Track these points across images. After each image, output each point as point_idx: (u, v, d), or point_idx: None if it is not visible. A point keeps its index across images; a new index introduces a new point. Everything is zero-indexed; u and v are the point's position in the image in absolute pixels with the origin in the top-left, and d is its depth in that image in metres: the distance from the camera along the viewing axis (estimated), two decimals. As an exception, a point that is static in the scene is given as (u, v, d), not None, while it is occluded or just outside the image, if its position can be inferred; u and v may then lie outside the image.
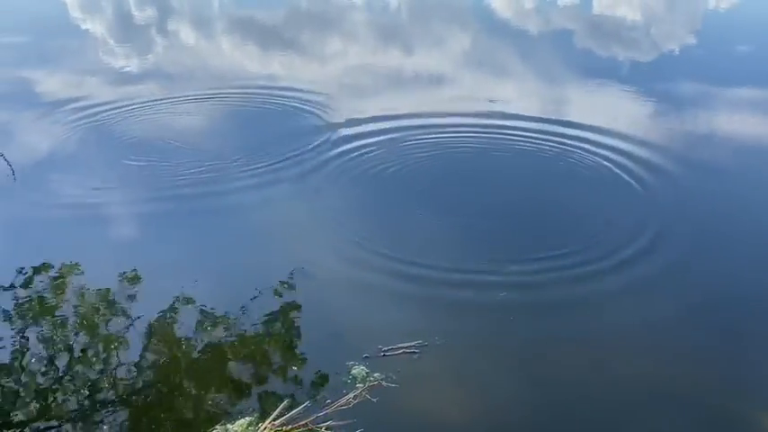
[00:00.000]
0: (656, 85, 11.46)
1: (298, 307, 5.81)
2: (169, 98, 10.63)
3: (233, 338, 5.52)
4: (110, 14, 17.27)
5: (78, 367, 5.27)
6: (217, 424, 4.63)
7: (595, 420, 4.88)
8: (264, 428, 4.55)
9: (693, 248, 6.71)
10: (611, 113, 9.91)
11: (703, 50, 14.25)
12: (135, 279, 6.21)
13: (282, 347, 5.42)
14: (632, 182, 7.95)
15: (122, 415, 4.81)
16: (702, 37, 15.04)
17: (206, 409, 4.87)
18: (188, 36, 15.47)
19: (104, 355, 5.40)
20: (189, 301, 5.88)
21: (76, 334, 5.63)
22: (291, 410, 4.65)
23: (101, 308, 5.92)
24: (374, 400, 4.69)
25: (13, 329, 5.61)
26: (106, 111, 9.97)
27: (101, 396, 4.97)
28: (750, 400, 4.99)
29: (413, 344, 5.25)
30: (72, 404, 4.90)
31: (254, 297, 5.87)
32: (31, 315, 5.79)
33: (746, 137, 9.46)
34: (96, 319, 5.79)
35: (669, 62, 13.39)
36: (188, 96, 10.68)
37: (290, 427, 4.53)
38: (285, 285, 6.04)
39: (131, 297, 6.00)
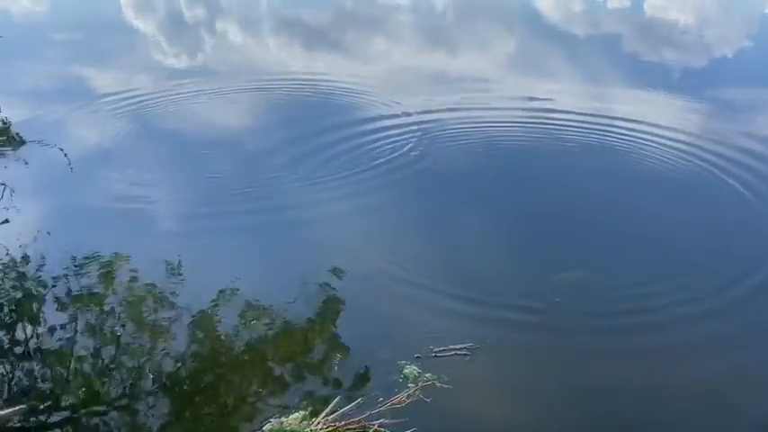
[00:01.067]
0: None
1: (351, 307, 5.88)
2: (214, 92, 10.85)
3: (286, 336, 5.59)
4: (161, 13, 17.68)
5: (129, 357, 5.40)
6: (270, 417, 4.70)
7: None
8: (318, 423, 4.60)
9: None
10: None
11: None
12: (185, 271, 6.35)
13: (334, 346, 5.47)
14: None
15: (174, 405, 4.94)
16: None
17: (258, 403, 4.95)
18: (236, 34, 15.74)
19: (156, 347, 5.51)
20: (241, 297, 5.97)
21: (126, 324, 5.74)
22: (344, 407, 4.70)
23: (153, 300, 6.06)
24: (428, 400, 4.70)
25: (64, 316, 5.76)
26: (156, 105, 10.23)
27: (151, 387, 5.09)
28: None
29: (464, 346, 5.24)
30: (122, 392, 5.04)
31: (308, 297, 5.95)
32: (81, 304, 5.94)
33: None
34: (147, 311, 5.93)
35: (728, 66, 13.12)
36: (232, 90, 10.90)
37: (342, 423, 4.57)
38: (338, 286, 6.10)
39: (183, 289, 6.12)
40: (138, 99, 10.44)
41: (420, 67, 12.89)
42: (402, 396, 4.68)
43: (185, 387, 5.13)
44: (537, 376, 5.23)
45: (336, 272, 6.27)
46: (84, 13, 16.77)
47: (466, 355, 5.19)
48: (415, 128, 9.41)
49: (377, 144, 8.89)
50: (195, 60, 13.37)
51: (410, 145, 8.88)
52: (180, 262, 6.47)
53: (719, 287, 6.16)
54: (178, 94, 10.72)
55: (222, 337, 5.58)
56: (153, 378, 5.14)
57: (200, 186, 7.93)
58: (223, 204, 7.56)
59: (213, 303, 5.92)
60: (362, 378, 5.07)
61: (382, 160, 8.50)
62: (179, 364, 5.28)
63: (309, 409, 4.75)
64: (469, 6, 18.77)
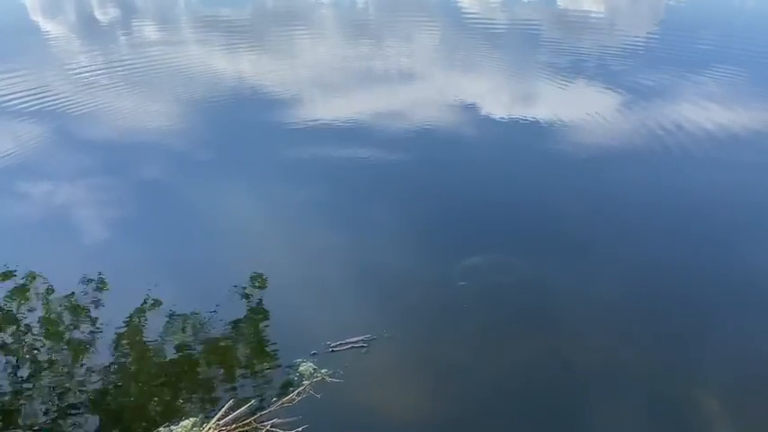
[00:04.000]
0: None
1: (246, 306, 5.75)
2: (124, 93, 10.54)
3: (180, 340, 5.43)
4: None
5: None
6: (161, 426, 4.54)
7: (544, 411, 4.84)
8: (209, 429, 4.47)
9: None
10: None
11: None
12: (86, 280, 6.08)
13: (230, 347, 5.35)
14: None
15: (67, 418, 4.72)
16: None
17: (152, 410, 4.79)
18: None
19: (45, 360, 5.27)
20: (141, 301, 5.77)
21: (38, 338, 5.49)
22: (237, 410, 4.58)
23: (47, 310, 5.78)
24: (318, 396, 4.63)
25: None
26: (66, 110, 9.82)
27: (45, 400, 4.87)
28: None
29: (361, 338, 5.21)
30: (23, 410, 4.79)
31: (202, 299, 5.78)
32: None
33: None
34: (58, 324, 5.65)
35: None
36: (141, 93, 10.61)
37: (234, 426, 4.46)
38: (233, 286, 5.96)
39: (78, 298, 5.89)
40: (46, 104, 10.02)
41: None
42: (293, 395, 4.59)
43: (73, 401, 4.89)
44: (434, 362, 5.21)
45: (228, 273, 6.13)
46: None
47: (363, 347, 5.15)
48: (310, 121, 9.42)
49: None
50: (105, 61, 12.86)
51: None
52: (70, 264, 6.27)
53: (620, 271, 6.29)
54: (90, 97, 10.36)
55: (112, 346, 5.36)
56: (43, 395, 4.88)
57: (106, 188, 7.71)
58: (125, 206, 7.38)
59: (106, 310, 5.70)
60: (257, 379, 4.97)
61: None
62: (70, 379, 5.05)
63: (200, 414, 4.60)
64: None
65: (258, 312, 5.69)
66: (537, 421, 4.77)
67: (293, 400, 4.54)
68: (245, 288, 5.94)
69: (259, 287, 5.98)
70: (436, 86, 11.15)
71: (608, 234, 6.78)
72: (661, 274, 6.24)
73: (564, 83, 11.18)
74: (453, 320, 5.64)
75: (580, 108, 9.93)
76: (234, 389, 4.91)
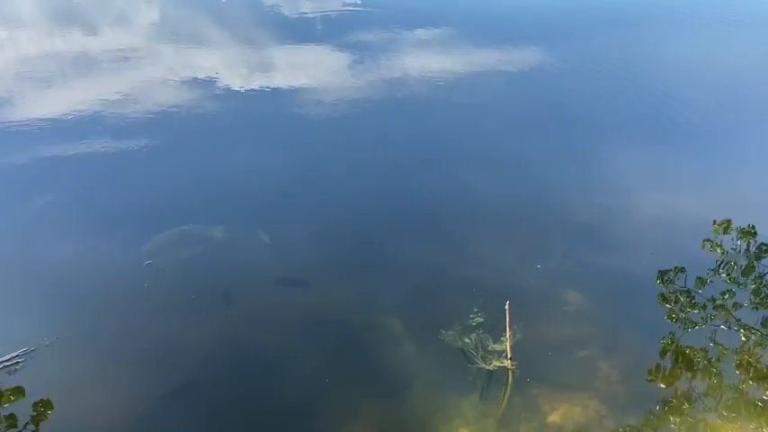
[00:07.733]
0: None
1: None
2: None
3: None
4: None
5: None
6: None
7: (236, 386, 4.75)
8: None
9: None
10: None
11: None
12: None
13: None
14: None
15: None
16: None
17: None
18: None
19: None
20: None
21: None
22: None
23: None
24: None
25: None
26: None
27: None
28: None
29: (15, 354, 4.80)
30: None
31: None
32: None
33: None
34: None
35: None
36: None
37: None
38: None
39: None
40: None
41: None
42: None
43: None
44: (113, 354, 4.98)
45: None
46: None
47: (18, 362, 4.76)
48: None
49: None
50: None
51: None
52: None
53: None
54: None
55: None
56: None
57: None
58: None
59: None
60: None
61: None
62: None
63: None
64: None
65: None
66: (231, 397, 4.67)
67: None
68: None
69: None
70: (165, 66, 10.53)
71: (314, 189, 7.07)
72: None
73: (293, 48, 11.26)
74: (134, 304, 5.38)
75: (311, 70, 10.17)
76: None
